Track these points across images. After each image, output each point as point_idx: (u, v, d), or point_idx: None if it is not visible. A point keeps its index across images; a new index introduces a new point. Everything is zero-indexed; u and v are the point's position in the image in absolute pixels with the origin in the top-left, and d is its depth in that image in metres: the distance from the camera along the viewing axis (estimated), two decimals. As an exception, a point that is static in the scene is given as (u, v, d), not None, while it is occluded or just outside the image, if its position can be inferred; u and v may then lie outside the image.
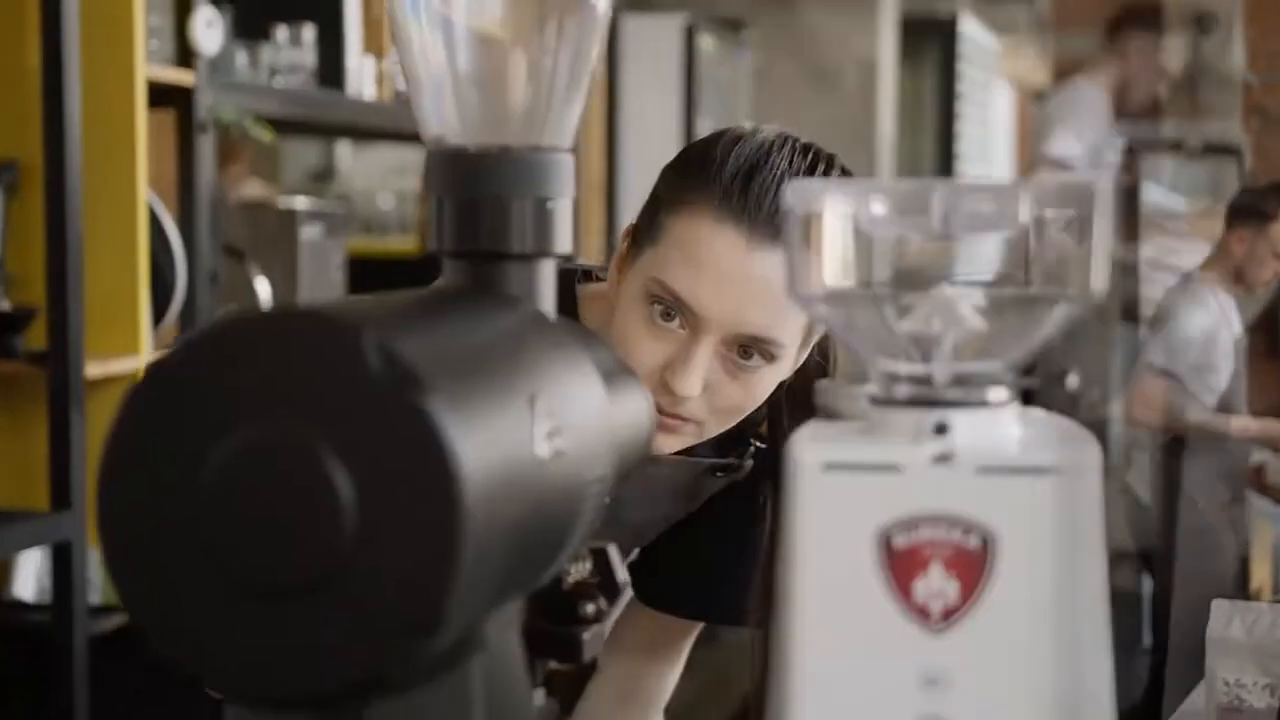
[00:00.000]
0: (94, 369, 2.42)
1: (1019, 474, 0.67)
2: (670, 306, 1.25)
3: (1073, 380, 4.55)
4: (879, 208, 0.71)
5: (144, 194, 2.51)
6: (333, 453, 0.61)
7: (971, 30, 7.65)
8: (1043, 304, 0.71)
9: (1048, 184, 0.68)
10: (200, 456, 0.63)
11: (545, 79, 0.84)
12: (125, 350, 2.51)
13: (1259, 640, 1.96)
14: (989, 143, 8.55)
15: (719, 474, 1.43)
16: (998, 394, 0.70)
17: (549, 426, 0.70)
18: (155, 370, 0.64)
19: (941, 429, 0.69)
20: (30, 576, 2.68)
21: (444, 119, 0.84)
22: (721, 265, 1.22)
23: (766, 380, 1.28)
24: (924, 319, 0.71)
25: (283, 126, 3.21)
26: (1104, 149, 4.46)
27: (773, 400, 1.33)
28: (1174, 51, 9.23)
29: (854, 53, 5.53)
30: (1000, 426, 0.70)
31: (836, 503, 0.69)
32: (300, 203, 3.22)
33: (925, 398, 0.70)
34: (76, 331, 2.35)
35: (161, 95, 2.64)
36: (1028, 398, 0.73)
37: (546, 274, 0.83)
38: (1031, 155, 4.39)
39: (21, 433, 2.45)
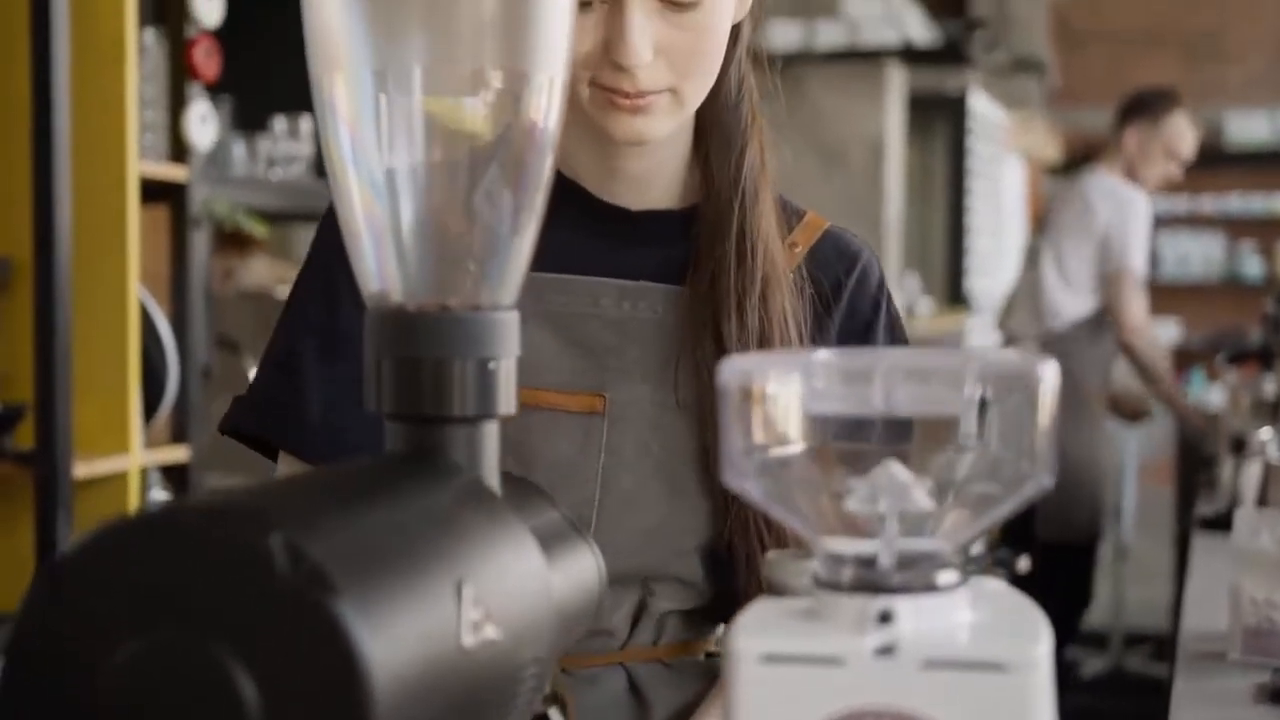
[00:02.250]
0: (83, 469, 2.40)
1: (967, 669, 0.64)
2: None
3: None
4: (819, 383, 0.68)
5: (135, 291, 2.50)
6: (237, 657, 0.59)
7: (981, 105, 7.66)
8: (991, 486, 0.68)
9: (992, 363, 0.66)
10: (102, 658, 0.60)
11: (488, 236, 0.82)
12: (115, 449, 2.48)
13: None
14: (1000, 215, 8.54)
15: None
16: (946, 577, 0.68)
17: (478, 614, 0.68)
18: (58, 567, 0.61)
19: (886, 617, 0.66)
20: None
21: (384, 276, 0.81)
22: None
23: (716, 14, 1.18)
24: (868, 498, 0.68)
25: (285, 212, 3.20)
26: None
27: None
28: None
29: (862, 131, 5.53)
30: (949, 613, 0.67)
31: (777, 695, 0.66)
32: (298, 292, 3.20)
33: (869, 582, 0.67)
34: (65, 431, 2.33)
35: (155, 190, 2.63)
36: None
37: (489, 436, 0.81)
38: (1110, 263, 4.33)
39: (8, 534, 2.42)
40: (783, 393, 0.68)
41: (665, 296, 1.25)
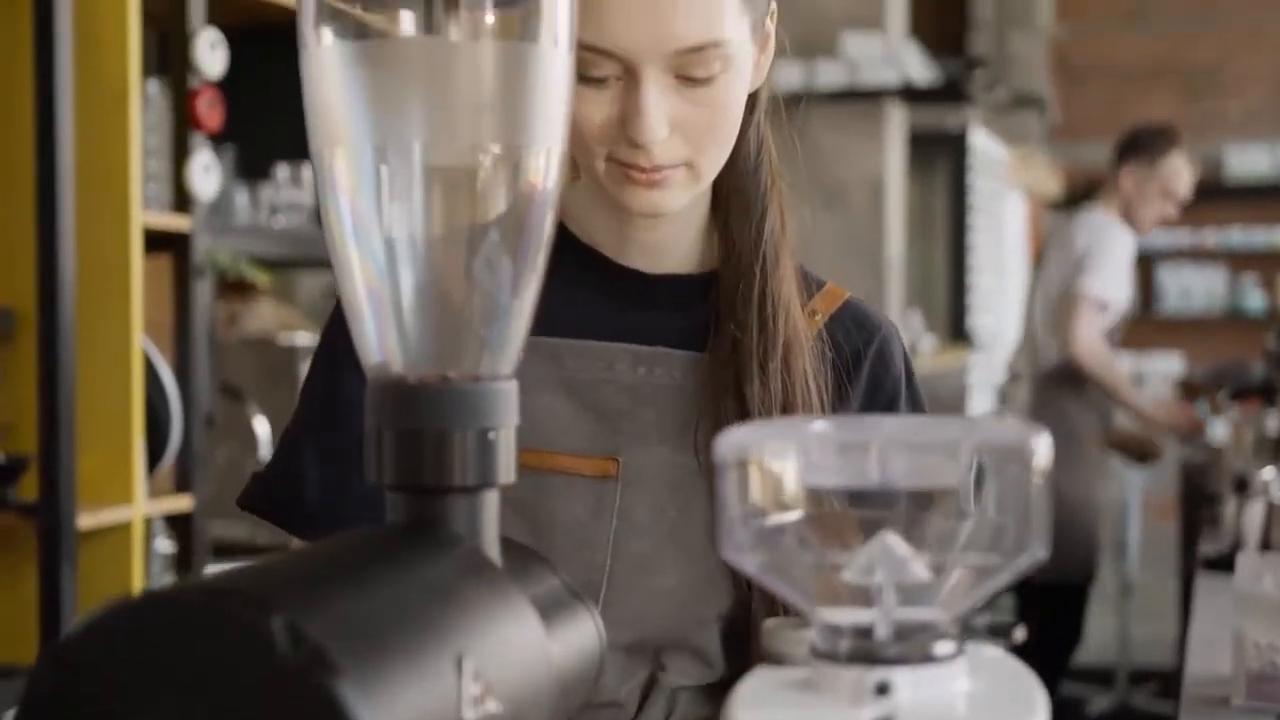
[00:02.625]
0: (86, 520, 2.40)
1: (964, 741, 0.65)
2: (595, 63, 1.13)
3: None
4: (815, 455, 0.69)
5: (139, 341, 2.51)
6: (240, 738, 0.59)
7: (981, 141, 7.68)
8: (988, 556, 0.68)
9: (987, 436, 0.66)
10: (105, 740, 0.60)
11: (488, 306, 0.83)
12: (119, 499, 2.49)
13: None
14: (1002, 251, 8.56)
15: None
16: (944, 647, 0.68)
17: (478, 688, 0.68)
18: (61, 648, 0.62)
19: (883, 689, 0.67)
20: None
21: (385, 347, 0.82)
22: None
23: (732, 89, 1.17)
24: (865, 569, 0.69)
25: (288, 259, 3.22)
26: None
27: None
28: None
29: (862, 169, 5.55)
30: (946, 684, 0.67)
31: (775, 768, 0.66)
32: (302, 338, 3.22)
33: (867, 653, 0.67)
34: (69, 483, 2.33)
35: (159, 240, 2.64)
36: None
37: (490, 505, 0.81)
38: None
39: (12, 586, 2.43)
40: (779, 465, 0.69)
41: (682, 362, 1.25)
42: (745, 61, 1.18)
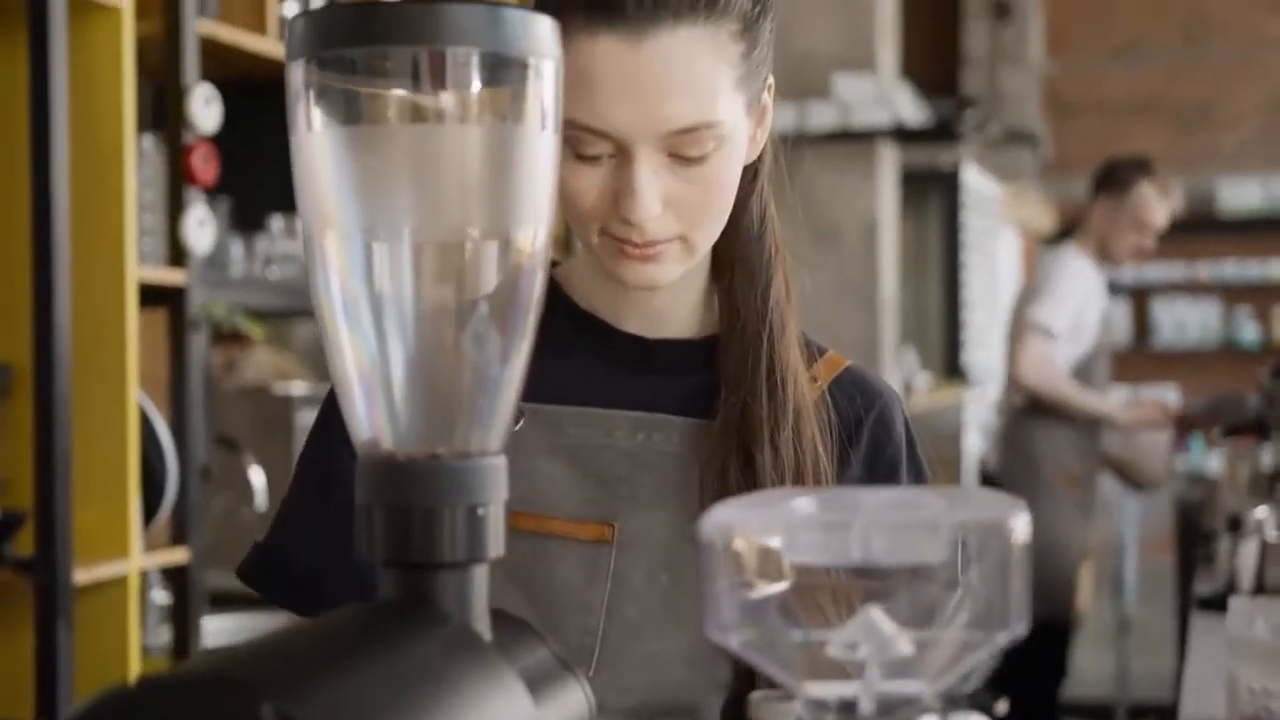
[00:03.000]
0: (83, 574, 2.41)
1: (946, 815, 0.66)
2: (588, 142, 1.14)
3: None
4: (799, 534, 0.70)
5: (134, 395, 2.52)
6: (232, 826, 0.60)
7: (974, 179, 7.72)
8: (971, 631, 0.69)
9: (967, 515, 0.68)
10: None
11: (477, 383, 0.84)
12: (115, 554, 2.49)
13: None
14: (996, 287, 8.58)
15: None
16: (927, 721, 0.69)
17: (467, 767, 0.69)
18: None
19: (868, 763, 0.68)
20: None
21: (375, 424, 0.83)
22: (611, 75, 1.12)
23: (726, 166, 1.18)
24: (849, 645, 0.70)
25: (283, 310, 3.23)
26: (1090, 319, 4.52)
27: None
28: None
29: (855, 210, 5.57)
30: (929, 757, 0.68)
31: (762, 844, 0.67)
32: (298, 387, 3.23)
33: (851, 729, 0.68)
34: (65, 539, 2.34)
35: (154, 293, 2.66)
36: None
37: (479, 579, 0.82)
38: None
39: (8, 641, 2.43)
40: (763, 543, 0.70)
41: (682, 428, 1.25)
42: (740, 138, 1.18)
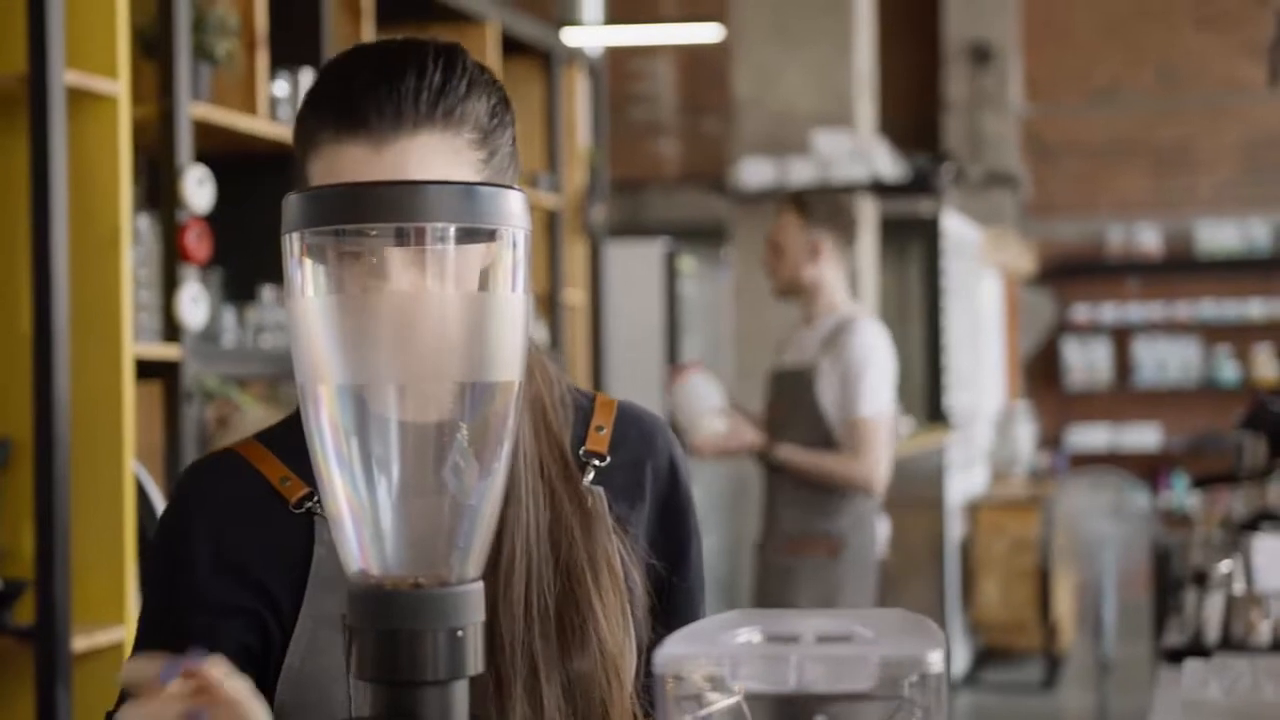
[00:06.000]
0: (81, 641, 2.49)
1: None
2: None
3: None
4: (742, 668, 0.79)
5: (130, 467, 2.60)
6: None
7: (954, 225, 7.83)
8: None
9: (890, 652, 0.77)
10: None
11: (456, 519, 0.93)
12: (112, 620, 2.58)
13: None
14: (978, 331, 8.68)
15: None
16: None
17: None
18: None
19: None
20: None
21: (363, 556, 0.92)
22: (355, 178, 1.18)
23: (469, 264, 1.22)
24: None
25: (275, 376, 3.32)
26: None
27: None
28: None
29: (836, 261, 5.67)
30: None
31: None
32: (288, 450, 3.30)
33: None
34: (64, 607, 2.42)
35: (149, 368, 2.74)
36: None
37: (460, 695, 0.91)
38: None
39: (8, 710, 2.50)
40: (709, 674, 0.79)
41: None
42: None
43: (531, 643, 1.22)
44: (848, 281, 3.97)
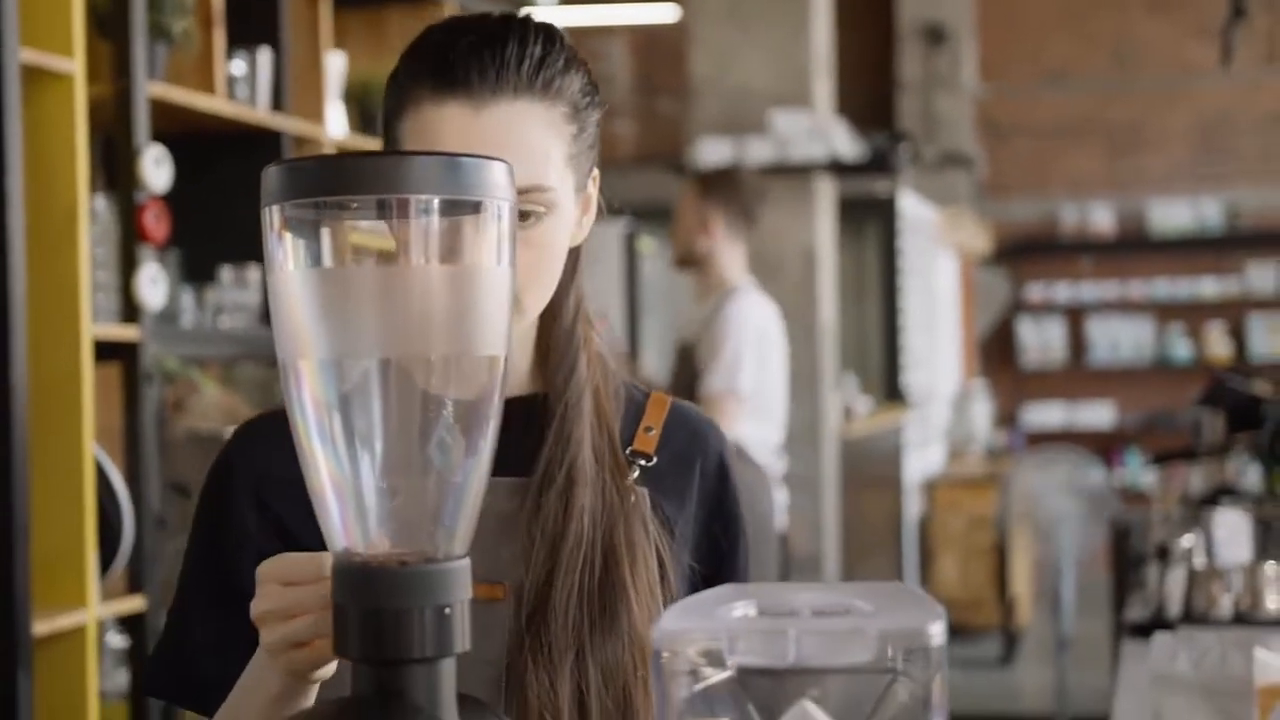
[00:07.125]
0: (41, 625, 2.46)
1: None
2: None
3: None
4: (740, 644, 0.78)
5: (90, 449, 2.57)
6: None
7: (910, 205, 7.84)
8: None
9: (890, 624, 0.76)
10: None
11: (441, 496, 0.92)
12: (72, 604, 2.55)
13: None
14: (934, 310, 8.72)
15: None
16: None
17: None
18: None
19: (799, 847, 0.76)
20: None
21: (348, 534, 0.91)
22: (454, 137, 1.20)
23: (555, 234, 1.24)
24: (783, 737, 0.78)
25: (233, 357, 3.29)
26: None
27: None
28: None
29: (794, 241, 5.67)
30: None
31: None
32: (248, 432, 3.27)
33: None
34: (24, 592, 2.39)
35: (108, 349, 2.71)
36: None
37: (447, 672, 0.90)
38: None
39: (-32, 697, 2.47)
40: (707, 649, 0.78)
41: (507, 487, 1.27)
42: (569, 212, 1.26)
43: (581, 620, 1.23)
44: (744, 259, 3.97)
